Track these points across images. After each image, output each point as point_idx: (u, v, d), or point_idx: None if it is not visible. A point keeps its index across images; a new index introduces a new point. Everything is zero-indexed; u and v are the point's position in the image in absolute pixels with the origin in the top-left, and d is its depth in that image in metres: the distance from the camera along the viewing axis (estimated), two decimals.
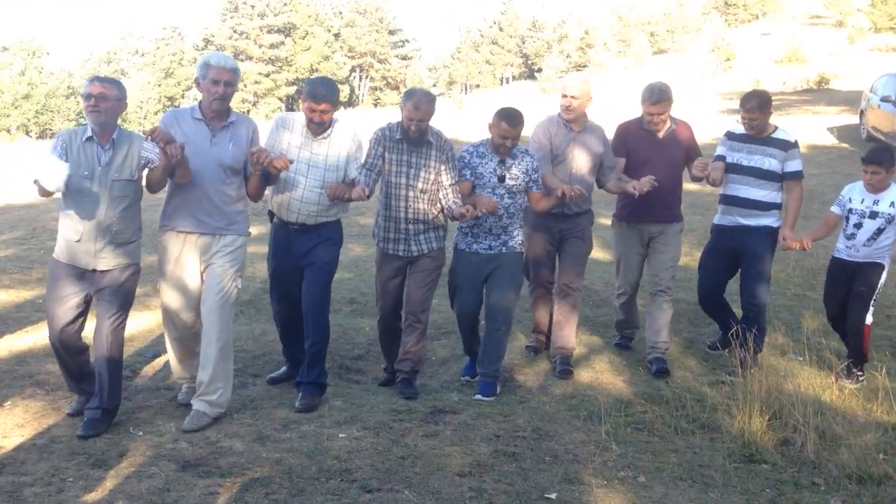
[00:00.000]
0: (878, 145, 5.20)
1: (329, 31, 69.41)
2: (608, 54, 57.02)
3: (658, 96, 5.38)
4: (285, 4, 65.09)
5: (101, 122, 4.08)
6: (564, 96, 5.35)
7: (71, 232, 4.10)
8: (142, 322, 6.14)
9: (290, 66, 62.97)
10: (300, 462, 3.81)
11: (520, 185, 4.98)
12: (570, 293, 5.46)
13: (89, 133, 4.10)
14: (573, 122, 5.37)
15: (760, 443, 4.25)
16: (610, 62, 53.49)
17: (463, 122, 22.96)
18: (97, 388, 4.21)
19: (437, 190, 4.87)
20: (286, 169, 4.37)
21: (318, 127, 4.60)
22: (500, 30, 75.23)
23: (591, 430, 4.41)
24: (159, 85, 61.25)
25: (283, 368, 5.10)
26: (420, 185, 4.81)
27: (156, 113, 54.68)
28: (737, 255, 5.48)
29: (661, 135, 5.49)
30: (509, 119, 4.84)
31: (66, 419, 4.29)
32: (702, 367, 5.60)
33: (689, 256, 6.03)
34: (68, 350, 4.23)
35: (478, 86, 71.68)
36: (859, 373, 5.31)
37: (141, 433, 4.15)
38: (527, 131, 5.20)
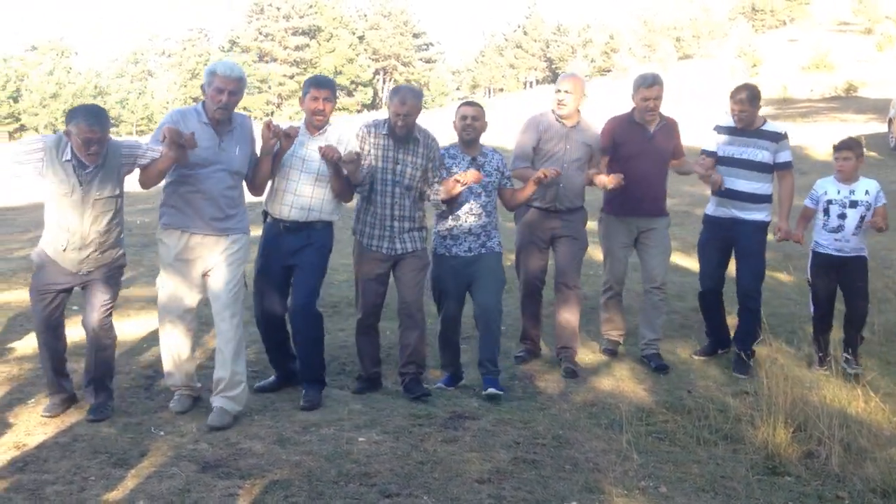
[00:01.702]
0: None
1: (353, 33, 69.74)
2: (633, 59, 56.70)
3: (652, 80, 5.57)
4: (310, 7, 65.52)
5: (95, 163, 4.06)
6: (558, 91, 5.51)
7: (56, 241, 4.16)
8: None
9: (315, 68, 63.30)
10: (320, 465, 3.81)
11: (493, 181, 5.11)
12: (570, 291, 5.54)
13: (69, 156, 4.03)
14: (566, 118, 5.47)
15: (784, 455, 4.20)
16: (635, 67, 53.15)
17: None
18: (89, 375, 4.35)
19: (422, 187, 4.92)
20: (294, 135, 4.49)
21: (321, 118, 4.64)
22: (525, 34, 75.21)
23: (611, 438, 4.38)
24: (185, 86, 61.81)
25: (272, 378, 5.00)
26: (406, 182, 4.84)
27: None
28: (731, 244, 5.66)
29: (651, 129, 5.60)
30: (466, 103, 5.21)
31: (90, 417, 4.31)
32: (724, 377, 5.55)
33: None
34: (53, 333, 4.31)
35: (501, 90, 71.66)
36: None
37: (162, 433, 4.17)
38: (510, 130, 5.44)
